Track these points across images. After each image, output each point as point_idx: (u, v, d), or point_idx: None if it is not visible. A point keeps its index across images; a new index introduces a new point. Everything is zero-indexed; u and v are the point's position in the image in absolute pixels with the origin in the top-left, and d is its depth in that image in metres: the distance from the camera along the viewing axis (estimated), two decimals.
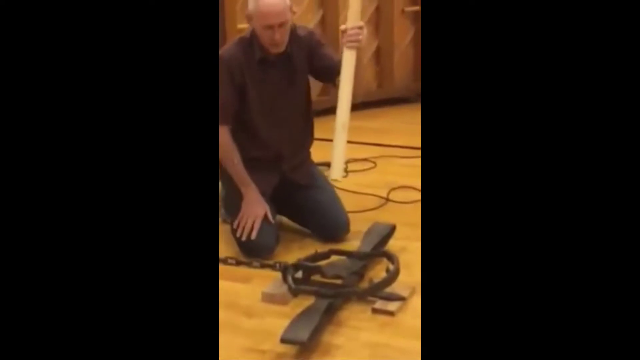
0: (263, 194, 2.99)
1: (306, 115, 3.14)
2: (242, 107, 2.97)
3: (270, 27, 2.83)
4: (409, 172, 3.79)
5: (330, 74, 3.00)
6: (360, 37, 2.83)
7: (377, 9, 4.83)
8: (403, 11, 4.93)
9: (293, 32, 2.95)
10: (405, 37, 4.98)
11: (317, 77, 3.11)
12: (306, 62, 3.01)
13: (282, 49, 2.91)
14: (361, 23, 2.86)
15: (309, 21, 4.64)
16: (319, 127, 3.21)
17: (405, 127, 4.58)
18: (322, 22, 4.67)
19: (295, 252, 2.87)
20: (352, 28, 2.83)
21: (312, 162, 3.22)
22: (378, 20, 4.85)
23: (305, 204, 3.07)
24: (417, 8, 4.93)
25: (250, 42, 2.94)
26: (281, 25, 2.84)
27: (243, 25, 4.34)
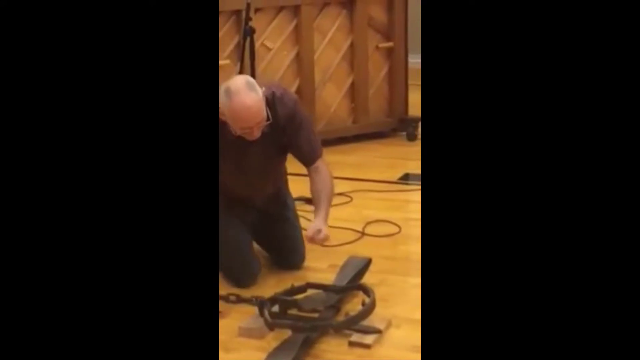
0: (243, 222, 3.03)
1: (281, 170, 3.12)
2: None
3: (247, 128, 2.70)
4: (384, 205, 3.83)
5: (300, 161, 2.96)
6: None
7: (352, 45, 4.88)
8: (377, 47, 4.99)
9: (272, 105, 2.77)
10: (379, 73, 5.03)
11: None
12: (283, 137, 2.88)
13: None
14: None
15: (285, 58, 4.68)
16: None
17: (380, 161, 4.61)
18: (298, 58, 4.72)
19: (272, 287, 2.87)
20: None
21: (285, 193, 3.21)
22: (352, 56, 4.90)
23: (272, 233, 3.12)
24: (391, 44, 4.99)
25: (225, 123, 2.71)
26: (258, 124, 2.70)
27: (224, 62, 4.36)
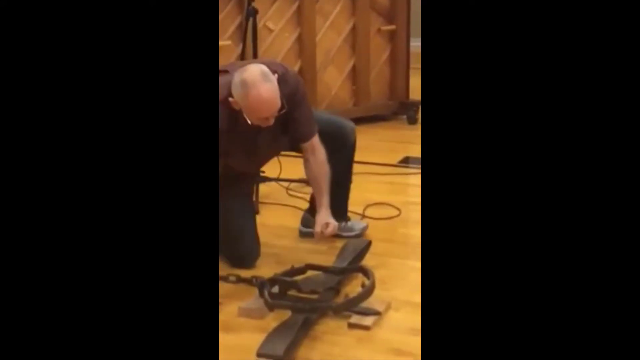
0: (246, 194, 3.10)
1: (286, 144, 3.09)
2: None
3: (264, 118, 2.69)
4: (385, 189, 3.84)
5: (296, 136, 2.93)
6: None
7: (354, 27, 4.87)
8: (379, 30, 4.98)
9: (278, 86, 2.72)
10: (381, 56, 5.03)
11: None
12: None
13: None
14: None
15: (287, 39, 4.68)
16: None
17: (381, 144, 4.61)
18: (299, 39, 4.71)
19: (272, 267, 2.88)
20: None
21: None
22: (354, 39, 4.89)
23: None
24: (393, 27, 4.98)
25: (238, 111, 2.70)
26: (274, 113, 2.69)
27: (225, 43, 4.35)
